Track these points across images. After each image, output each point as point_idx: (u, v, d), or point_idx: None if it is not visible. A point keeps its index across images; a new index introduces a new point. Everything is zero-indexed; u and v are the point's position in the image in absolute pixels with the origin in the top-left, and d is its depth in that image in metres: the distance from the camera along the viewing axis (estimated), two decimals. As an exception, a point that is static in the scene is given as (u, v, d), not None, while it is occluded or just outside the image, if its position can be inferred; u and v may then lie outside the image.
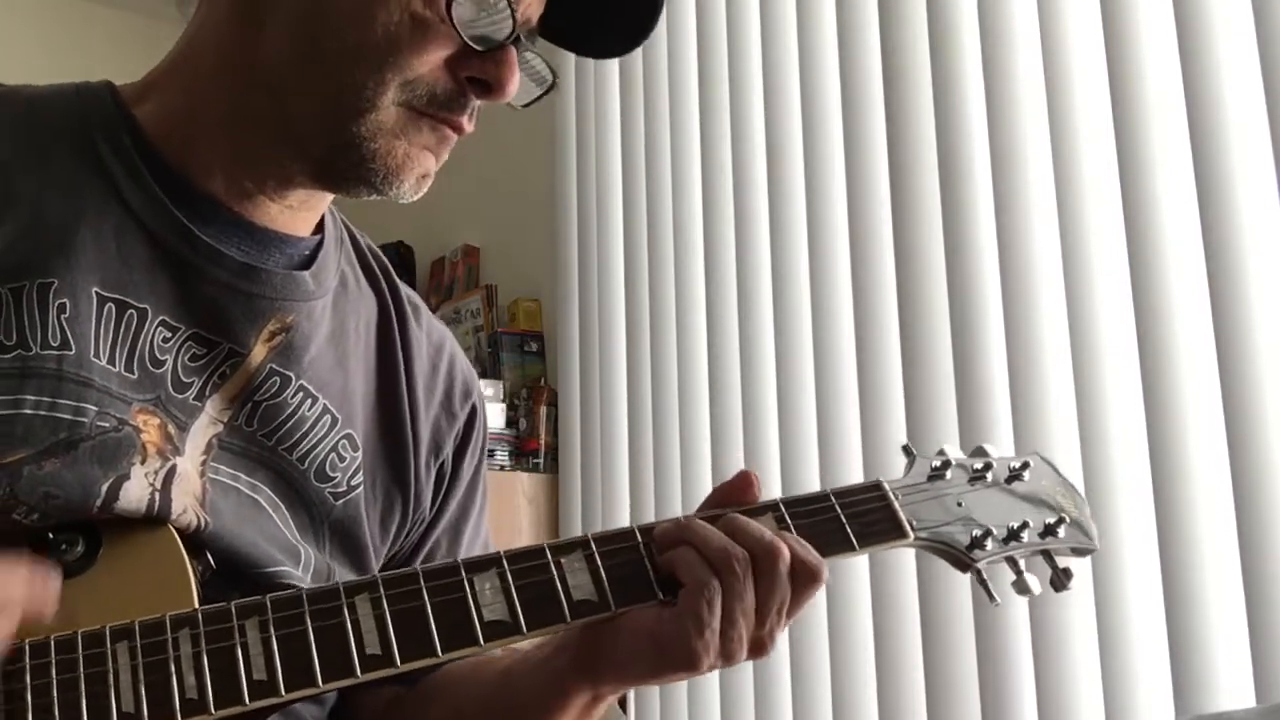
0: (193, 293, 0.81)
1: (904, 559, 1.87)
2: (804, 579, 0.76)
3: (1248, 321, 1.48)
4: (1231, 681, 1.47)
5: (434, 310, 3.24)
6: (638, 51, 2.56)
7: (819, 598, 1.99)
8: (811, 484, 2.07)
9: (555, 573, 0.75)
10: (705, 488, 2.29)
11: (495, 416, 2.65)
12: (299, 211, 0.87)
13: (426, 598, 0.72)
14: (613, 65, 2.65)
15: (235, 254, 0.82)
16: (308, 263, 0.88)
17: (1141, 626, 1.57)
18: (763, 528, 0.76)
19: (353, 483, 0.88)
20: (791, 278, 2.15)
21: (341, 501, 0.87)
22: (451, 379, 0.98)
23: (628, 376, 2.51)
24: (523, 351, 2.85)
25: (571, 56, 2.74)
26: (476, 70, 0.79)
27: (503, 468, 2.64)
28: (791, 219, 2.16)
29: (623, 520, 2.48)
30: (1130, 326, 1.61)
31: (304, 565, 0.84)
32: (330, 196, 0.89)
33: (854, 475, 1.98)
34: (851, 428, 1.99)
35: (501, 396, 2.71)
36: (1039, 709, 1.65)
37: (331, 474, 0.86)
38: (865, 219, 2.01)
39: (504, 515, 2.54)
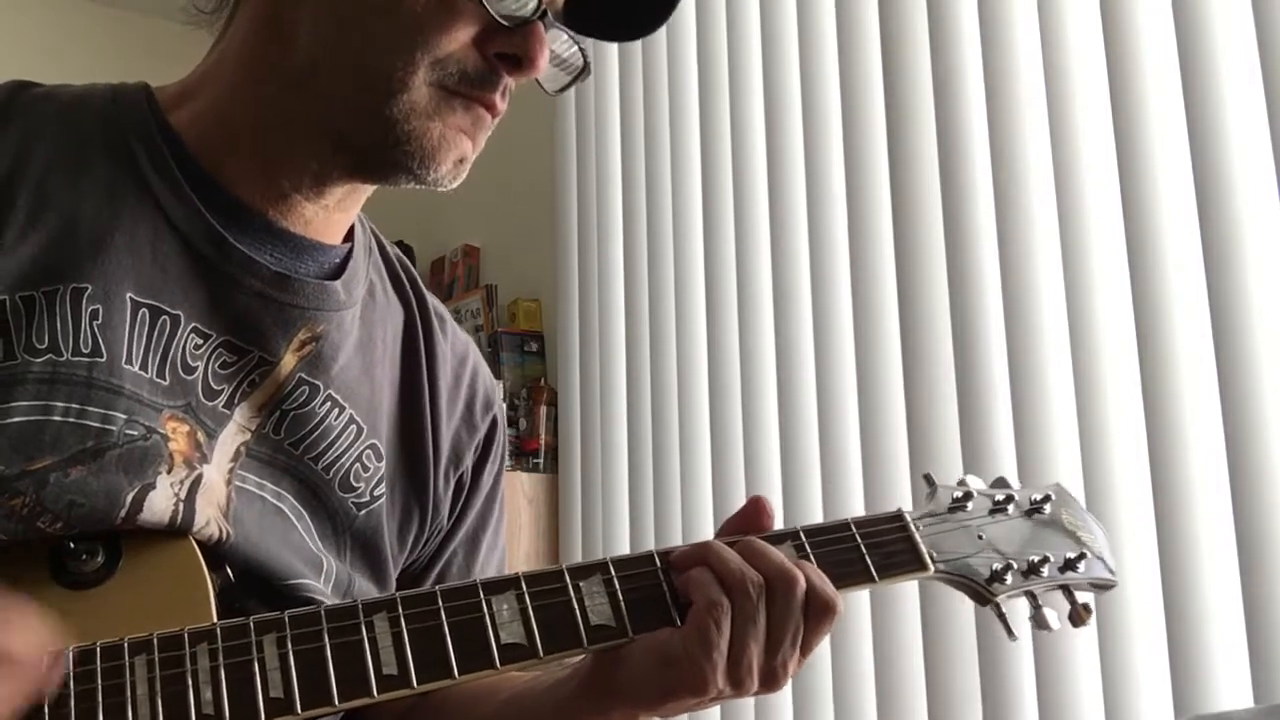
0: (225, 300, 0.81)
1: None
2: (818, 611, 0.75)
3: (1246, 322, 1.48)
4: (1231, 681, 1.47)
5: (434, 310, 3.24)
6: (638, 51, 2.57)
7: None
8: (811, 484, 2.07)
9: (573, 596, 0.74)
10: (705, 487, 2.29)
11: (496, 417, 2.65)
12: (333, 214, 0.87)
13: (444, 618, 0.71)
14: (613, 65, 2.65)
15: (268, 262, 0.83)
16: (338, 271, 0.88)
17: (1141, 626, 1.57)
18: (780, 554, 0.76)
19: (375, 493, 0.88)
20: (792, 277, 2.15)
21: (364, 512, 0.87)
22: (474, 390, 0.98)
23: (628, 376, 2.51)
24: (523, 351, 2.85)
25: (572, 56, 2.75)
26: (505, 46, 0.80)
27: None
28: (791, 218, 2.16)
29: (622, 520, 2.48)
30: (1130, 328, 1.61)
31: (325, 576, 0.84)
32: (362, 199, 0.89)
33: (854, 474, 1.98)
34: (851, 424, 1.99)
35: (501, 396, 2.71)
36: (1040, 709, 1.65)
37: (355, 484, 0.86)
38: (865, 218, 2.01)
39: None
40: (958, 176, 1.86)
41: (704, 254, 2.35)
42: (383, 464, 0.88)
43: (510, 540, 2.59)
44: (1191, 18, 1.57)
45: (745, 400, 2.21)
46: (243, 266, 0.81)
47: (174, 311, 0.79)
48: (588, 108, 2.71)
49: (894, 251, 1.95)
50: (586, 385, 2.61)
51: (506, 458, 1.03)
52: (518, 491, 2.60)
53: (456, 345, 0.99)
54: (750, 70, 2.30)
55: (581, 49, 0.87)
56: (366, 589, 0.86)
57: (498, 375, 2.77)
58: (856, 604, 1.94)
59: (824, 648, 1.99)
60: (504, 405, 1.04)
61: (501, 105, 0.82)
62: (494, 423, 1.00)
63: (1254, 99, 1.50)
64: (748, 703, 2.13)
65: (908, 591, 1.86)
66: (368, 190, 0.88)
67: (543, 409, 2.70)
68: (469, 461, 0.96)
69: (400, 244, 3.25)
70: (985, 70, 1.84)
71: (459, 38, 0.79)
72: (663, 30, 2.51)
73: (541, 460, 2.68)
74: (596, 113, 2.69)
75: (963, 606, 1.77)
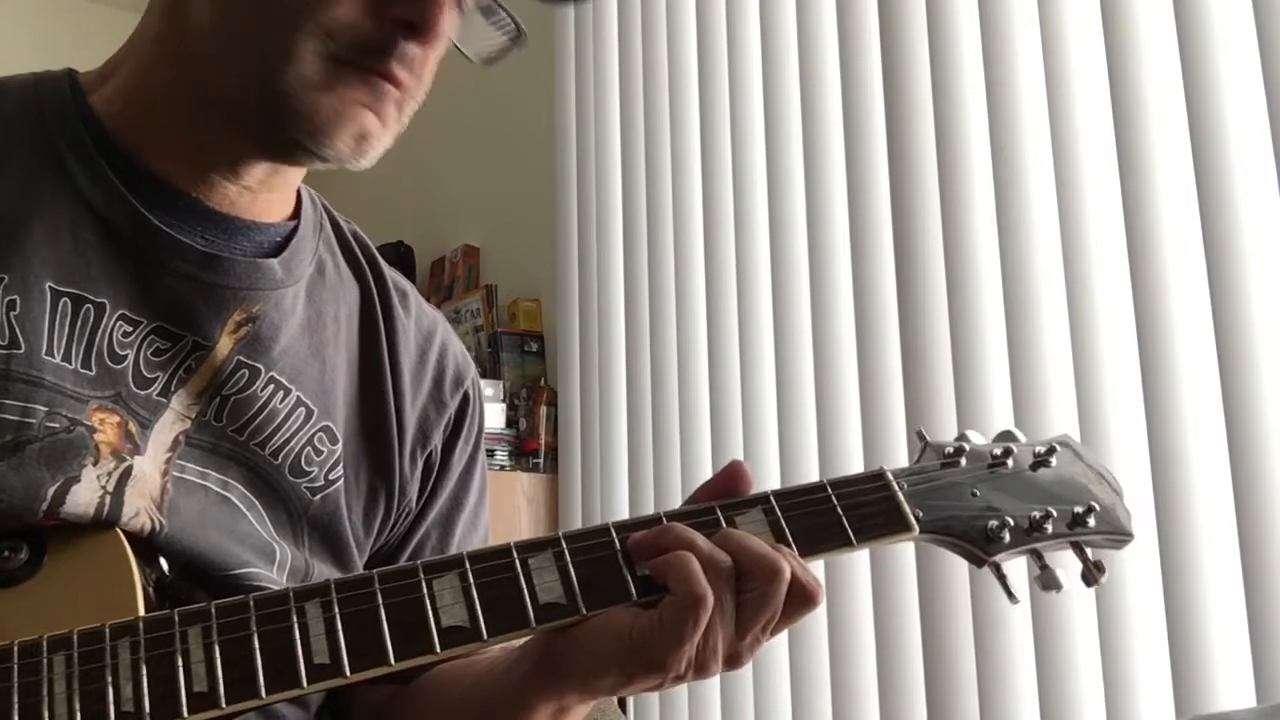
0: (154, 285, 0.78)
1: (904, 559, 1.86)
2: (798, 601, 0.71)
3: (1248, 320, 1.48)
4: (1231, 681, 1.47)
5: (434, 310, 3.22)
6: (638, 51, 2.57)
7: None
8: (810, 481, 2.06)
9: (521, 573, 0.70)
10: (705, 487, 2.29)
11: (495, 416, 2.65)
12: (259, 194, 0.83)
13: (380, 601, 0.68)
14: (612, 65, 2.65)
15: (197, 243, 0.80)
16: (279, 249, 0.85)
17: (1141, 626, 1.57)
18: (761, 542, 0.71)
19: (330, 477, 0.85)
20: (791, 277, 2.14)
21: (319, 496, 0.84)
22: (442, 367, 0.95)
23: (628, 376, 2.51)
24: (523, 351, 2.85)
25: (572, 55, 2.75)
26: (401, 11, 0.75)
27: (503, 468, 2.63)
28: (791, 218, 2.16)
29: (623, 520, 2.48)
30: (1130, 325, 1.61)
31: (279, 565, 0.81)
32: (291, 176, 0.85)
33: (853, 469, 1.98)
34: (852, 427, 1.99)
35: (501, 396, 2.71)
36: (1040, 709, 1.65)
37: (307, 468, 0.84)
38: (865, 219, 2.01)
39: (504, 515, 2.54)
40: (957, 172, 1.86)
41: (704, 254, 2.35)
42: (338, 446, 0.86)
43: (510, 540, 2.59)
44: (1191, 18, 1.57)
45: (745, 399, 2.21)
46: (168, 249, 0.79)
47: (98, 300, 0.77)
48: (587, 108, 2.71)
49: (894, 252, 1.95)
50: (586, 385, 2.61)
51: (483, 435, 1.00)
52: (518, 491, 2.59)
53: (422, 321, 0.96)
54: (750, 70, 2.29)
55: (514, 17, 0.81)
56: (327, 575, 0.83)
57: (497, 375, 2.77)
58: (856, 605, 1.93)
59: (822, 647, 1.98)
60: (478, 379, 1.00)
61: (403, 75, 0.76)
62: (465, 399, 0.96)
63: (1254, 99, 1.50)
64: (746, 693, 2.12)
65: (907, 587, 1.85)
66: (292, 172, 0.84)
67: (543, 409, 2.70)
68: (437, 440, 0.93)
69: (400, 244, 3.26)
70: (985, 68, 1.83)
71: (349, 5, 0.74)
72: (662, 29, 2.53)
73: (541, 460, 2.67)
74: (596, 113, 2.68)
75: (962, 608, 1.76)
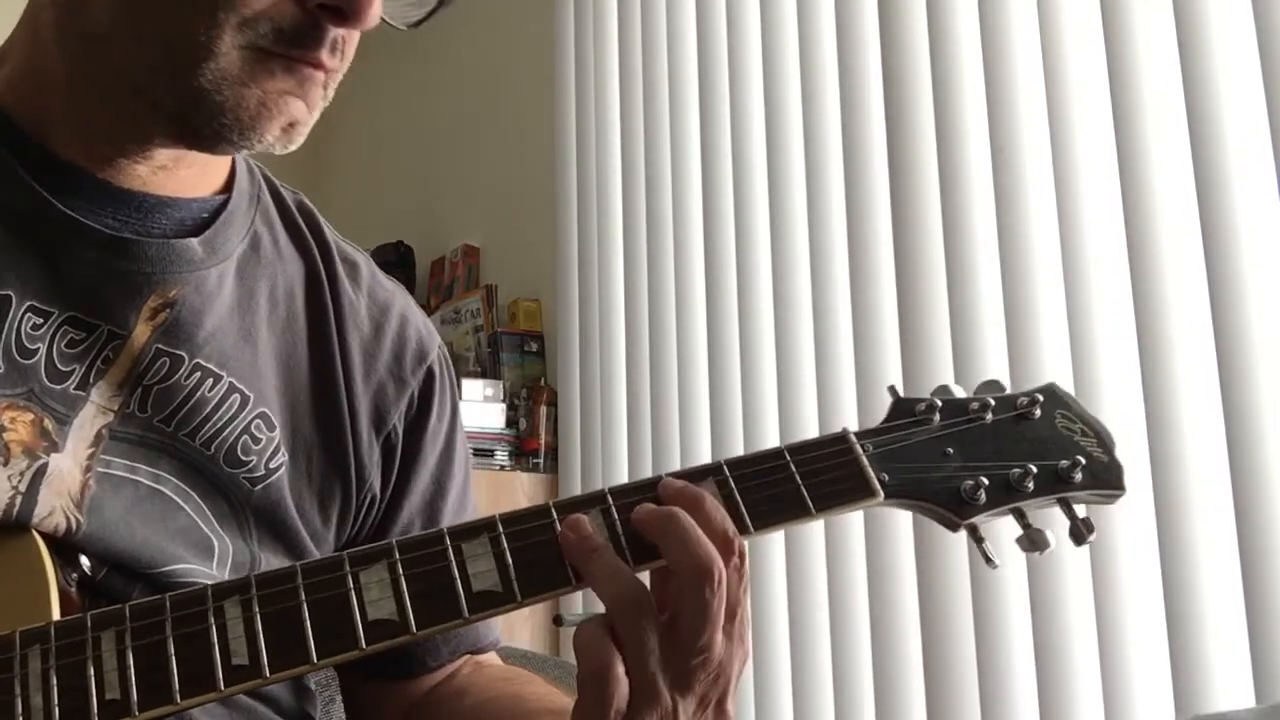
0: (62, 273, 0.74)
1: (901, 555, 1.86)
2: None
3: (1247, 320, 1.48)
4: (1231, 681, 1.47)
5: (434, 310, 3.18)
6: (638, 51, 2.57)
7: (816, 592, 1.99)
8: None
9: (454, 561, 0.66)
10: (705, 487, 2.28)
11: (495, 416, 2.65)
12: (176, 171, 0.78)
13: (303, 597, 0.65)
14: (612, 65, 2.65)
15: (105, 226, 0.75)
16: (204, 226, 0.80)
17: (1141, 626, 1.57)
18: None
19: (271, 465, 0.81)
20: (791, 278, 2.14)
21: (261, 487, 0.80)
22: (402, 341, 0.90)
23: (628, 376, 2.51)
24: (523, 351, 2.85)
25: (572, 55, 2.75)
26: None
27: (503, 468, 2.63)
28: (791, 218, 2.16)
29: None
30: (1130, 326, 1.61)
31: (218, 559, 0.77)
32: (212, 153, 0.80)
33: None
34: (850, 419, 1.99)
35: (501, 396, 2.71)
36: (1039, 709, 1.65)
37: (245, 458, 0.79)
38: (864, 220, 2.01)
39: (504, 515, 2.54)
40: (957, 176, 1.86)
41: (704, 253, 2.35)
42: (276, 433, 0.81)
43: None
44: (1190, 18, 1.57)
45: (745, 400, 2.21)
46: (73, 233, 0.74)
47: (3, 292, 0.73)
48: (588, 108, 2.71)
49: (894, 253, 1.95)
50: (586, 385, 2.61)
51: (459, 411, 0.94)
52: (518, 491, 2.59)
53: (377, 293, 0.91)
54: (750, 70, 2.29)
55: None
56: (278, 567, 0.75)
57: (497, 375, 2.77)
58: (854, 608, 1.93)
59: (824, 651, 1.98)
60: (445, 353, 0.94)
61: (332, 62, 0.72)
62: (430, 375, 0.91)
63: (1253, 98, 1.50)
64: (745, 683, 2.12)
65: (906, 590, 1.85)
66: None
67: (543, 409, 2.70)
68: (396, 420, 0.88)
69: (400, 244, 3.25)
70: (985, 63, 1.83)
71: None
72: (662, 29, 2.53)
73: (541, 460, 2.67)
74: (597, 113, 2.68)
75: (961, 607, 1.76)
